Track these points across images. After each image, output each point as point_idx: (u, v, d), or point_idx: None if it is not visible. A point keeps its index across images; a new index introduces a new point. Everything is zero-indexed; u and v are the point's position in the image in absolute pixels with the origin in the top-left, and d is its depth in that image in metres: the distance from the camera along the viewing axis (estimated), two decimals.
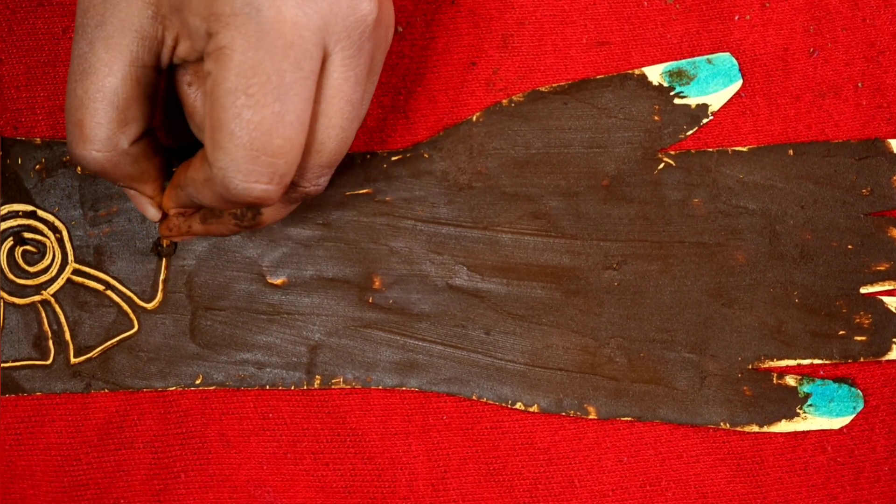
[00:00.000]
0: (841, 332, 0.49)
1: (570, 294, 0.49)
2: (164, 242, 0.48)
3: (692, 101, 0.49)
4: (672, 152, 0.50)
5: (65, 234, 0.48)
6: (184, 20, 0.39)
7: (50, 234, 0.48)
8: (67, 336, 0.48)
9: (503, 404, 0.49)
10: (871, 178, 0.50)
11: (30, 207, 0.48)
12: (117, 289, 0.49)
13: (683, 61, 0.50)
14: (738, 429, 0.49)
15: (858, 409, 0.49)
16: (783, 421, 0.49)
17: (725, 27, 0.50)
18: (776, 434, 0.49)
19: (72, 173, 0.49)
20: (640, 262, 0.49)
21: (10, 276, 0.48)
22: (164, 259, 0.49)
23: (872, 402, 0.49)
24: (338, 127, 0.41)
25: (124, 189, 0.45)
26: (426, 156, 0.49)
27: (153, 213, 0.45)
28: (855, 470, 0.49)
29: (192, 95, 0.42)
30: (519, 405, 0.49)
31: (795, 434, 0.49)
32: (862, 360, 0.49)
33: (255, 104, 0.38)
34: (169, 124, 0.47)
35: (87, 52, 0.40)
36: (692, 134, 0.50)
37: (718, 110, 0.50)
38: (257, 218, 0.43)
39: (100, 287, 0.49)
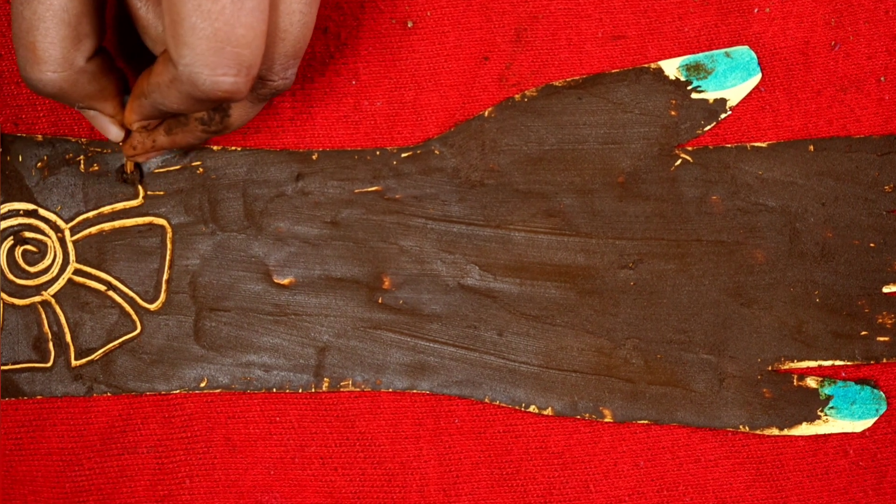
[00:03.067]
0: (863, 333, 0.49)
1: (585, 294, 0.49)
2: (129, 167, 0.48)
3: (710, 95, 0.49)
4: (689, 148, 0.50)
5: (66, 233, 0.48)
6: None
7: (51, 233, 0.48)
8: (68, 338, 0.48)
9: (516, 407, 0.49)
10: (893, 175, 0.49)
11: (31, 206, 0.48)
12: (119, 289, 0.48)
13: (701, 55, 0.50)
14: (758, 432, 0.49)
15: (881, 412, 0.49)
16: (804, 424, 0.49)
17: (744, 20, 0.50)
18: (797, 437, 0.49)
19: (75, 171, 0.48)
20: (657, 261, 0.49)
21: (10, 277, 0.48)
22: (129, 185, 0.48)
23: None
24: (298, 12, 0.41)
25: (83, 111, 0.45)
26: (437, 152, 0.49)
27: (116, 132, 0.45)
28: (878, 474, 0.49)
29: (144, 9, 0.42)
30: (533, 408, 0.49)
31: (816, 437, 0.49)
32: (885, 361, 0.49)
33: None
34: (122, 46, 0.47)
35: None
36: (710, 129, 0.50)
37: (737, 105, 0.50)
38: (225, 121, 0.44)
39: (101, 287, 0.48)
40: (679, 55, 0.50)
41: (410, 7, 0.49)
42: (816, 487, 0.49)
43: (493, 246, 0.49)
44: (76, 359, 0.48)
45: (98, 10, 0.42)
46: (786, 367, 0.49)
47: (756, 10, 0.50)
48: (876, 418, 0.49)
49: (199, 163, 0.49)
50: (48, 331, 0.48)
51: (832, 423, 0.49)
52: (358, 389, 0.48)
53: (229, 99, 0.40)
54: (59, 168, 0.48)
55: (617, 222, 0.49)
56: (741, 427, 0.48)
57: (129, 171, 0.48)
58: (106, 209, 0.48)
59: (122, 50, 0.47)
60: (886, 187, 0.49)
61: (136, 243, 0.48)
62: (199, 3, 0.38)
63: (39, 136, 0.48)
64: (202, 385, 0.48)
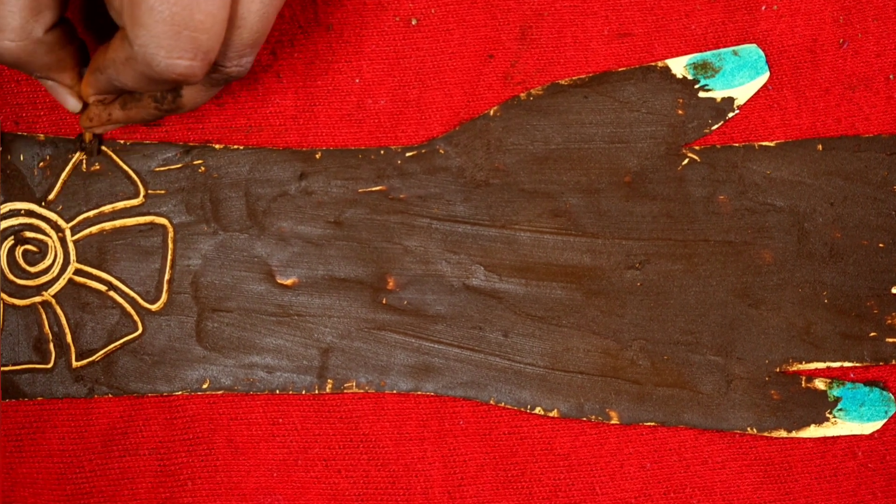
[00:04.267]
0: (872, 334, 0.49)
1: (592, 295, 0.49)
2: (87, 137, 0.48)
3: (717, 94, 0.49)
4: (697, 147, 0.49)
5: (67, 232, 0.48)
6: None
7: (52, 232, 0.48)
8: (69, 338, 0.48)
9: (522, 409, 0.49)
10: None
11: (31, 206, 0.48)
12: (120, 289, 0.48)
13: (708, 53, 0.50)
14: (766, 434, 0.49)
15: (890, 414, 0.49)
16: (812, 426, 0.49)
17: (752, 17, 0.50)
18: (805, 439, 0.49)
19: (77, 170, 0.48)
20: (664, 262, 0.49)
21: (10, 277, 0.48)
22: (86, 155, 0.48)
23: None
24: (258, 2, 0.41)
25: (42, 80, 0.45)
26: (442, 151, 0.49)
27: (73, 103, 0.46)
28: (887, 476, 0.49)
29: None
30: (538, 410, 0.49)
31: (825, 439, 0.49)
32: (894, 362, 0.49)
33: None
34: (87, 16, 0.47)
35: None
36: (717, 128, 0.49)
37: (745, 104, 0.50)
38: (178, 101, 0.44)
39: (102, 288, 0.48)
40: (686, 53, 0.50)
41: (414, 4, 0.49)
42: (825, 490, 0.49)
43: (499, 246, 0.49)
44: (77, 360, 0.48)
45: None
46: (794, 368, 0.49)
47: (764, 8, 0.50)
48: (885, 420, 0.49)
49: (200, 161, 0.48)
50: (49, 331, 0.48)
51: (841, 425, 0.48)
52: (362, 391, 0.48)
53: (183, 82, 0.40)
54: (61, 167, 0.48)
55: (623, 222, 0.49)
56: (749, 429, 0.48)
57: (87, 141, 0.48)
58: (106, 208, 0.48)
59: (87, 20, 0.47)
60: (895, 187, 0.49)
61: (137, 243, 0.48)
62: None
63: (41, 135, 0.48)
64: (204, 386, 0.48)
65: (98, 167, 0.48)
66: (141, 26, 0.39)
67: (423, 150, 0.49)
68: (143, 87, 0.42)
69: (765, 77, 0.49)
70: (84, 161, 0.48)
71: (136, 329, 0.48)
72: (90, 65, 0.44)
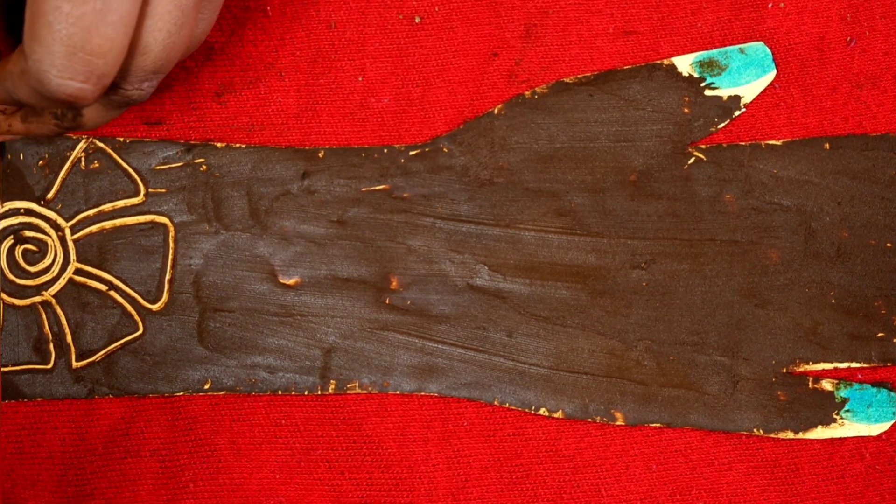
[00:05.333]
0: (880, 334, 0.49)
1: (597, 295, 0.49)
2: None
3: (724, 92, 0.49)
4: (703, 146, 0.49)
5: (67, 231, 0.48)
6: None
7: (52, 231, 0.48)
8: (69, 339, 0.48)
9: (526, 410, 0.49)
10: None
11: (31, 204, 0.48)
12: (121, 289, 0.48)
13: (715, 51, 0.50)
14: (773, 435, 0.48)
15: None
16: (819, 427, 0.49)
17: (758, 15, 0.50)
18: (812, 441, 0.49)
19: (76, 169, 0.48)
20: (670, 262, 0.49)
21: (10, 277, 0.48)
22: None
23: None
24: (164, 31, 0.40)
25: None
26: (445, 150, 0.49)
27: None
28: (895, 478, 0.49)
29: None
30: (543, 411, 0.48)
31: (832, 441, 0.49)
32: None
33: None
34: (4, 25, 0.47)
35: None
36: (724, 127, 0.49)
37: (751, 102, 0.50)
38: (78, 119, 0.43)
39: (103, 287, 0.48)
40: (692, 51, 0.50)
41: (418, 2, 0.49)
42: (832, 491, 0.49)
43: (503, 246, 0.49)
44: (77, 360, 0.48)
45: None
46: (801, 369, 0.49)
47: (770, 6, 0.50)
48: (893, 421, 0.49)
49: (202, 160, 0.48)
50: (49, 332, 0.48)
51: (848, 427, 0.48)
52: (365, 391, 0.48)
53: (75, 103, 0.40)
54: (60, 166, 0.48)
55: (629, 221, 0.49)
56: (755, 430, 0.48)
57: None
58: (106, 207, 0.48)
59: (3, 28, 0.47)
60: None
61: (137, 242, 0.48)
62: (60, 4, 0.37)
63: None
64: (206, 387, 0.48)
65: (97, 165, 0.48)
66: (37, 41, 0.38)
67: (427, 149, 0.49)
68: (37, 103, 0.41)
69: (771, 75, 0.49)
70: (83, 159, 0.48)
71: (137, 329, 0.48)
72: None
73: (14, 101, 0.43)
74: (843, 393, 0.48)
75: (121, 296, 0.48)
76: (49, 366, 0.48)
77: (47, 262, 0.48)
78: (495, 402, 0.48)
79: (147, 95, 0.43)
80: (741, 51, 0.49)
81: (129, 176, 0.48)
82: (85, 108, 0.43)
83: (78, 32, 0.38)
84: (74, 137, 0.48)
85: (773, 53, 0.49)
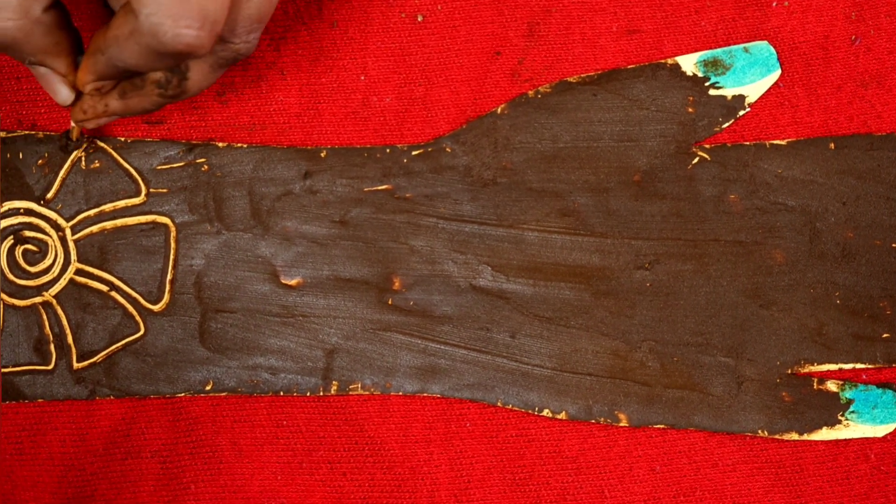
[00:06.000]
0: (885, 335, 0.49)
1: (600, 295, 0.49)
2: (74, 134, 0.47)
3: (728, 91, 0.49)
4: (707, 146, 0.49)
5: (67, 231, 0.48)
6: None
7: (52, 232, 0.48)
8: (70, 339, 0.48)
9: (529, 411, 0.48)
10: None
11: (31, 204, 0.48)
12: (122, 290, 0.48)
13: (719, 50, 0.50)
14: (777, 437, 0.48)
15: None
16: (824, 428, 0.48)
17: (763, 14, 0.50)
18: (817, 442, 0.49)
19: (76, 168, 0.48)
20: (674, 262, 0.49)
21: (10, 277, 0.48)
22: (70, 154, 0.47)
23: None
24: None
25: (33, 67, 0.44)
26: (448, 150, 0.49)
27: (66, 93, 0.44)
28: None
29: None
30: (546, 412, 0.48)
31: (837, 442, 0.49)
32: None
33: None
34: (80, 5, 0.47)
35: None
36: (728, 126, 0.49)
37: (756, 101, 0.50)
38: (183, 84, 0.43)
39: (104, 288, 0.48)
40: (696, 50, 0.50)
41: (420, 0, 0.49)
42: (837, 493, 0.49)
43: (506, 246, 0.49)
44: (78, 361, 0.48)
45: None
46: (805, 370, 0.49)
47: (774, 4, 0.50)
48: None
49: (203, 160, 0.48)
50: (49, 332, 0.48)
51: (853, 428, 0.48)
52: (367, 392, 0.48)
53: (190, 54, 0.40)
54: (60, 165, 0.48)
55: (633, 222, 0.49)
56: (760, 431, 0.48)
57: (74, 138, 0.47)
58: (107, 207, 0.48)
59: (80, 9, 0.47)
60: None
61: (138, 242, 0.48)
62: None
63: (40, 133, 0.48)
64: (207, 388, 0.48)
65: (98, 165, 0.48)
66: None
67: (430, 149, 0.49)
68: (148, 63, 0.41)
69: (776, 74, 0.49)
70: (84, 158, 0.48)
71: (139, 330, 0.48)
72: (89, 47, 0.43)
73: (115, 72, 0.42)
74: (848, 394, 0.48)
75: (122, 296, 0.48)
76: (50, 366, 0.47)
77: (48, 262, 0.48)
78: (498, 404, 0.48)
79: (253, 48, 0.43)
80: (745, 50, 0.49)
81: (130, 176, 0.48)
82: (191, 72, 0.43)
83: None
84: (75, 137, 0.48)
85: (777, 52, 0.49)
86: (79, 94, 0.44)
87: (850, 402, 0.48)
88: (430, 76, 0.49)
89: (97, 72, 0.43)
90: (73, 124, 0.46)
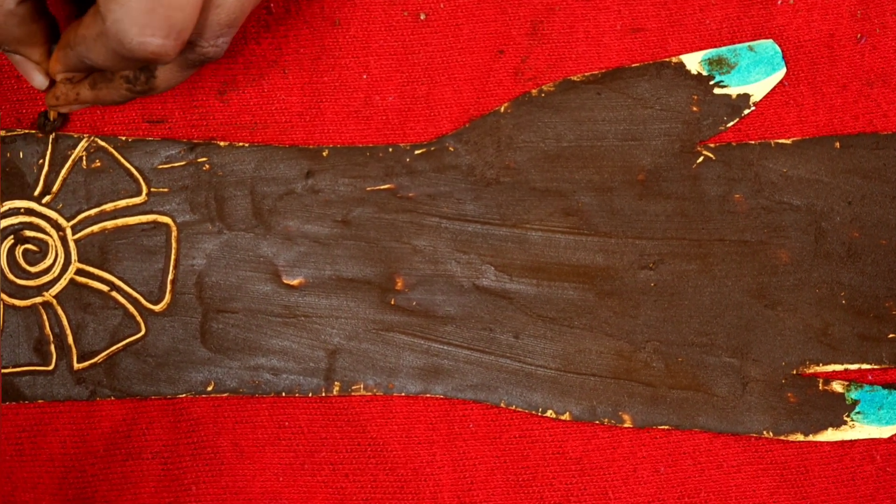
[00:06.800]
0: (890, 336, 0.49)
1: (604, 295, 0.49)
2: (52, 115, 0.48)
3: (733, 90, 0.49)
4: (711, 145, 0.49)
5: (68, 231, 0.48)
6: None
7: (52, 231, 0.48)
8: (70, 340, 0.48)
9: (533, 412, 0.48)
10: None
11: (31, 204, 0.48)
12: (123, 290, 0.48)
13: (724, 49, 0.49)
14: (782, 437, 0.48)
15: None
16: (829, 429, 0.48)
17: (768, 12, 0.50)
18: (822, 443, 0.49)
19: (77, 168, 0.48)
20: (678, 262, 0.49)
21: (10, 277, 0.47)
22: (49, 137, 0.48)
23: None
24: None
25: (9, 54, 0.45)
26: (451, 149, 0.49)
27: (40, 80, 0.46)
28: None
29: None
30: (550, 413, 0.48)
31: (842, 443, 0.49)
32: None
33: None
34: None
35: None
36: (733, 125, 0.49)
37: (760, 100, 0.50)
38: (151, 81, 0.43)
39: (104, 288, 0.48)
40: (700, 48, 0.49)
41: None
42: (842, 494, 0.48)
43: (510, 246, 0.49)
44: (79, 361, 0.48)
45: None
46: (811, 370, 0.49)
47: (780, 2, 0.50)
48: None
49: (205, 159, 0.48)
50: (49, 333, 0.48)
51: (859, 429, 0.48)
52: (370, 393, 0.48)
53: (155, 60, 0.40)
54: (60, 165, 0.48)
55: (637, 221, 0.49)
56: (765, 432, 0.48)
57: (51, 119, 0.48)
58: (108, 206, 0.48)
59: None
60: None
61: (139, 242, 0.48)
62: None
63: (40, 132, 0.48)
64: (209, 389, 0.48)
65: (99, 164, 0.48)
66: (115, 1, 0.38)
67: (433, 148, 0.49)
68: (114, 65, 0.42)
69: (781, 73, 0.49)
70: (84, 158, 0.48)
71: (139, 330, 0.48)
72: (60, 41, 0.44)
73: (84, 66, 0.43)
74: (853, 395, 0.48)
75: (123, 296, 0.48)
76: (50, 367, 0.47)
77: (48, 262, 0.48)
78: (501, 404, 0.48)
79: (222, 52, 0.43)
80: (750, 48, 0.49)
81: (131, 175, 0.48)
82: (158, 70, 0.43)
83: None
84: (76, 136, 0.48)
85: (782, 51, 0.49)
86: (53, 80, 0.45)
87: (855, 402, 0.48)
88: (432, 75, 0.49)
89: (67, 65, 0.44)
90: (48, 107, 0.47)
